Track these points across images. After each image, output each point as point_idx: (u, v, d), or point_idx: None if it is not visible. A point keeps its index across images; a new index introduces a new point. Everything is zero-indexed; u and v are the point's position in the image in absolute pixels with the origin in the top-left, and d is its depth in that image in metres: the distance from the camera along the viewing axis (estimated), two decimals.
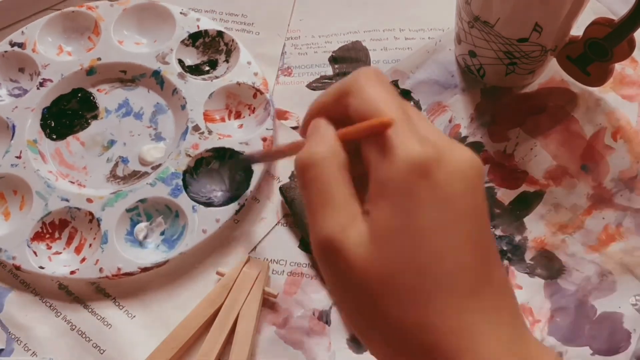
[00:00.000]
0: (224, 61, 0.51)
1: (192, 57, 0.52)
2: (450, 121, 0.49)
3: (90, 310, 0.43)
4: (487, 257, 0.24)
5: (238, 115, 0.49)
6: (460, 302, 0.23)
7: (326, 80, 0.52)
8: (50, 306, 0.44)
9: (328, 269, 0.25)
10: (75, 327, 0.43)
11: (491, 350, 0.23)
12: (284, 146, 0.32)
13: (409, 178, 0.23)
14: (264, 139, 0.47)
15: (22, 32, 0.51)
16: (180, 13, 0.52)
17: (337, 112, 0.27)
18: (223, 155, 0.47)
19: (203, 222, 0.44)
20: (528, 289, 0.43)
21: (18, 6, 0.54)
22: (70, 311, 0.43)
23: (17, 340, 0.42)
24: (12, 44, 0.51)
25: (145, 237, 0.45)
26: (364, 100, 0.25)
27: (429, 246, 0.23)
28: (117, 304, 0.44)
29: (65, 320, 0.43)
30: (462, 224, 0.23)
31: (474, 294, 0.23)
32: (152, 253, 0.44)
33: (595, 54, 0.45)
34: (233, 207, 0.45)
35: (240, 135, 0.48)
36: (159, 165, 0.47)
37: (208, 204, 0.45)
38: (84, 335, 0.43)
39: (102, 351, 0.42)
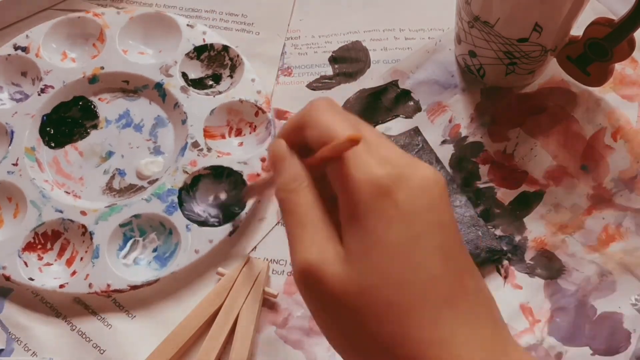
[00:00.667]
0: (228, 76, 0.51)
1: (196, 71, 0.51)
2: (450, 121, 0.49)
3: (90, 310, 0.43)
4: (458, 267, 0.25)
5: (239, 133, 0.49)
6: (436, 312, 0.24)
7: (326, 80, 0.52)
8: (50, 306, 0.44)
9: (308, 294, 0.26)
10: (76, 327, 0.43)
11: (472, 358, 0.24)
12: (261, 180, 0.32)
13: (372, 198, 0.24)
14: (263, 159, 0.46)
15: (27, 35, 0.51)
16: (187, 25, 0.51)
17: (298, 144, 0.28)
18: (221, 174, 0.46)
19: (196, 242, 0.43)
20: (528, 289, 0.43)
21: (18, 6, 0.54)
22: (70, 311, 0.43)
23: (17, 340, 0.42)
24: (16, 48, 0.50)
25: (134, 260, 0.44)
26: (320, 128, 0.27)
27: (400, 260, 0.24)
28: (117, 304, 0.44)
29: (66, 320, 0.43)
30: (430, 237, 0.25)
31: (449, 304, 0.24)
32: (144, 270, 0.44)
33: (595, 54, 0.45)
34: (227, 228, 0.44)
35: (240, 153, 0.47)
36: (156, 180, 0.47)
37: (202, 223, 0.45)
38: (84, 336, 0.43)
39: (102, 351, 0.42)
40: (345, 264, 0.25)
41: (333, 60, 0.53)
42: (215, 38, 0.51)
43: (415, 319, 0.24)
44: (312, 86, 0.52)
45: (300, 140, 0.28)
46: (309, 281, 0.26)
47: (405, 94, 0.51)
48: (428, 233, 0.25)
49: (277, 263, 0.45)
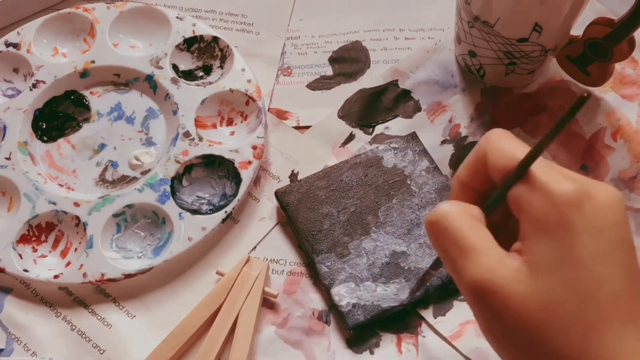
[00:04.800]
0: (218, 67, 0.51)
1: (186, 62, 0.51)
2: (450, 121, 0.49)
3: (90, 310, 0.43)
4: (638, 286, 0.25)
5: (230, 122, 0.49)
6: (618, 328, 0.24)
7: (326, 80, 0.52)
8: (50, 306, 0.44)
9: (484, 312, 0.26)
10: (75, 327, 0.43)
11: None
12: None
13: (564, 211, 0.25)
14: (254, 147, 0.46)
15: (18, 32, 0.51)
16: (177, 17, 0.51)
17: (476, 180, 0.29)
18: (213, 162, 0.47)
19: (189, 229, 0.44)
20: None
21: (18, 6, 0.54)
22: (70, 311, 0.43)
23: (17, 340, 0.42)
24: (7, 44, 0.51)
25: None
26: (503, 152, 0.27)
27: (587, 274, 0.24)
28: (117, 304, 0.44)
29: (65, 321, 0.43)
30: (615, 253, 0.25)
31: (630, 321, 0.25)
32: (137, 259, 0.44)
33: (595, 54, 0.45)
34: (220, 215, 0.44)
35: (231, 142, 0.47)
36: (149, 170, 0.47)
37: (195, 211, 0.45)
38: (84, 336, 0.43)
39: (102, 351, 0.42)
40: (527, 279, 0.25)
41: (333, 60, 0.53)
42: (204, 29, 0.51)
43: (599, 335, 0.24)
44: (312, 86, 0.52)
45: (479, 173, 0.28)
46: (483, 301, 0.26)
47: (405, 94, 0.51)
48: (613, 250, 0.25)
49: (277, 263, 0.45)
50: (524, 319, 0.25)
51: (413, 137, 0.48)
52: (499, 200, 0.28)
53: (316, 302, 0.43)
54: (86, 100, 0.50)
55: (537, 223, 0.25)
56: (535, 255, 0.25)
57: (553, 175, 0.26)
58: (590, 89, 0.50)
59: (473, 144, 0.48)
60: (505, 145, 0.27)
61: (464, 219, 0.27)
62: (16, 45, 0.51)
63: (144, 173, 0.47)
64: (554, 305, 0.25)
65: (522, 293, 0.25)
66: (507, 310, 0.25)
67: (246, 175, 0.46)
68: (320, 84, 0.52)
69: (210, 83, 0.49)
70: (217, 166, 0.47)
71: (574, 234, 0.25)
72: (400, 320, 0.42)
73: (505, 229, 0.28)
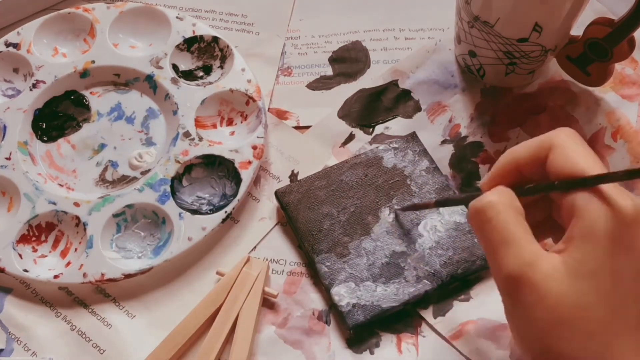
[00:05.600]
0: (218, 67, 0.51)
1: (186, 62, 0.51)
2: (450, 121, 0.49)
3: (90, 310, 0.43)
4: None
5: (230, 122, 0.49)
6: (638, 345, 0.26)
7: (326, 80, 0.52)
8: (50, 306, 0.44)
9: (516, 301, 0.28)
10: (75, 327, 0.43)
11: None
12: (458, 196, 0.34)
13: (624, 228, 0.26)
14: (254, 147, 0.47)
15: (18, 32, 0.51)
16: (177, 17, 0.52)
17: (530, 165, 0.30)
18: (213, 162, 0.47)
19: (189, 229, 0.44)
20: None
21: (18, 6, 0.54)
22: (70, 311, 0.43)
23: (17, 340, 0.42)
24: (7, 44, 0.51)
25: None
26: (567, 155, 0.28)
27: (624, 289, 0.26)
28: (117, 304, 0.44)
29: (65, 321, 0.43)
30: None
31: None
32: (137, 259, 0.44)
33: (595, 54, 0.45)
34: (220, 215, 0.44)
35: (231, 142, 0.48)
36: (149, 170, 0.47)
37: (195, 211, 0.45)
38: (83, 336, 0.43)
39: (102, 351, 0.42)
40: (564, 279, 0.27)
41: (333, 60, 0.53)
42: (205, 29, 0.51)
43: (620, 346, 0.26)
44: (312, 86, 0.52)
45: (535, 163, 0.29)
46: (516, 292, 0.27)
47: (405, 94, 0.51)
48: None
49: (277, 263, 0.45)
50: (554, 314, 0.26)
51: (413, 137, 0.48)
52: (538, 192, 0.29)
53: (316, 302, 0.43)
54: (86, 100, 0.50)
55: (589, 230, 0.27)
56: (576, 259, 0.27)
57: (620, 193, 0.27)
58: (590, 89, 0.50)
59: (473, 144, 0.48)
60: (574, 148, 0.29)
61: (510, 211, 0.28)
62: (16, 45, 0.51)
63: (144, 173, 0.47)
64: (585, 309, 0.26)
65: (556, 290, 0.26)
66: (539, 303, 0.27)
67: (246, 175, 0.46)
68: (320, 84, 0.52)
69: (210, 83, 0.49)
70: (217, 166, 0.47)
71: (625, 251, 0.26)
72: (400, 320, 0.42)
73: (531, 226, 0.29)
